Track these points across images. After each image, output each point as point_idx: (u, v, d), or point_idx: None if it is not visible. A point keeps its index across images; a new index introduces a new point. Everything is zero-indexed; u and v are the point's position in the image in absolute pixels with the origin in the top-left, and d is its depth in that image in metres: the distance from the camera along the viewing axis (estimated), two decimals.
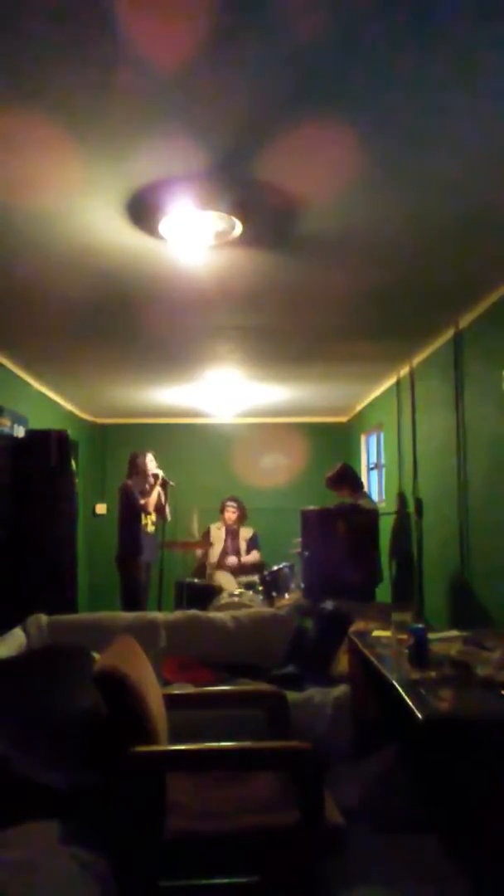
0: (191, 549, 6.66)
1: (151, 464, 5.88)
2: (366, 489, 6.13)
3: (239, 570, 6.64)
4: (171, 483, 5.97)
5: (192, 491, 7.51)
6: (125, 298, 3.88)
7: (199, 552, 6.82)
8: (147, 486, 5.83)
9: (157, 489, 5.86)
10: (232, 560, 6.67)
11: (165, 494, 5.90)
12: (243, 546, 6.83)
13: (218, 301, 3.96)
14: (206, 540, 6.82)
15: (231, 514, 6.86)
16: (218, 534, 6.84)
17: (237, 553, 6.79)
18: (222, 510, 6.92)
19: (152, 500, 5.82)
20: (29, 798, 2.20)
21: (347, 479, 5.60)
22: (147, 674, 2.36)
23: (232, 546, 6.80)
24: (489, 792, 2.28)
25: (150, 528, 5.87)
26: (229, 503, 6.91)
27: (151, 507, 5.82)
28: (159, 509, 5.89)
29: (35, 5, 1.67)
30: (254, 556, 6.80)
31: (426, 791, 2.85)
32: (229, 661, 3.86)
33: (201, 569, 6.75)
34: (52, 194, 2.63)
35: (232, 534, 6.86)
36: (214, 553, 6.75)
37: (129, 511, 5.76)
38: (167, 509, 5.95)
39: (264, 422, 8.41)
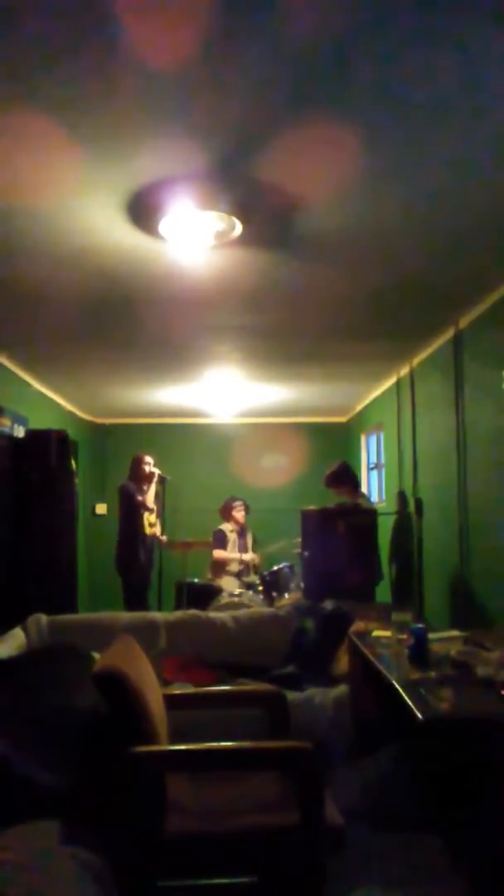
0: (191, 548, 6.65)
1: (147, 466, 5.91)
2: (363, 489, 6.13)
3: (245, 571, 6.67)
4: (168, 478, 5.99)
5: (193, 491, 7.52)
6: (125, 298, 3.88)
7: (216, 553, 6.80)
8: (145, 487, 5.86)
9: (154, 487, 5.90)
10: (248, 577, 6.68)
11: (163, 490, 5.93)
12: (251, 543, 6.88)
13: (218, 301, 3.96)
14: (219, 540, 6.80)
15: (240, 513, 6.85)
16: (232, 536, 6.85)
17: (245, 551, 6.84)
18: (229, 511, 6.87)
19: (150, 497, 5.86)
20: (29, 798, 2.19)
21: (346, 477, 5.61)
22: (147, 674, 2.36)
23: (241, 545, 6.83)
24: (489, 792, 2.28)
25: (150, 529, 5.88)
26: (236, 503, 6.88)
27: (151, 504, 5.86)
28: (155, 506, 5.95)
29: (35, 5, 1.67)
30: (253, 554, 6.84)
31: (426, 791, 2.85)
32: (229, 661, 3.86)
33: (219, 569, 6.73)
34: (52, 194, 2.63)
35: (240, 533, 6.89)
36: (230, 555, 6.76)
37: (130, 510, 5.78)
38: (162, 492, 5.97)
39: (264, 422, 8.41)
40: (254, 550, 6.88)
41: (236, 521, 6.78)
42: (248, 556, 6.77)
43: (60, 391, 6.69)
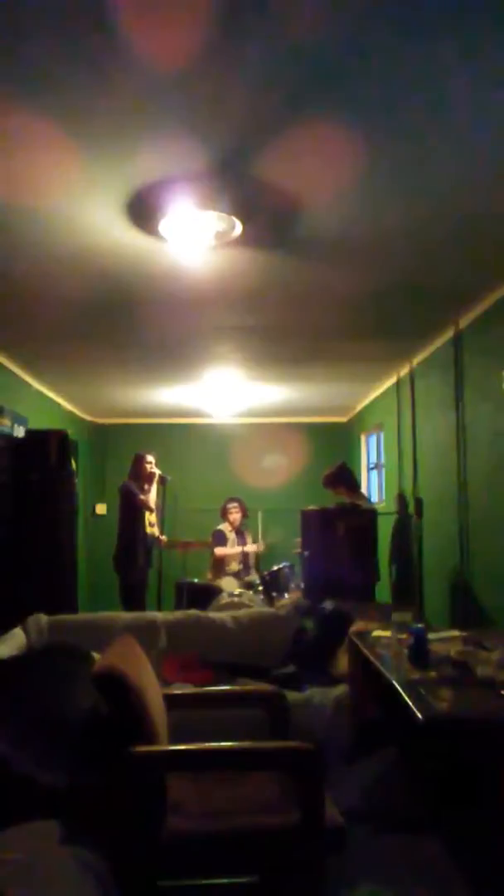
0: (191, 548, 6.65)
1: (149, 466, 5.92)
2: (363, 490, 6.13)
3: (245, 570, 6.68)
4: (168, 478, 5.99)
5: (193, 491, 7.52)
6: (125, 298, 3.88)
7: (218, 551, 6.80)
8: (146, 486, 5.86)
9: (155, 486, 5.90)
10: (248, 576, 6.68)
11: (163, 490, 5.93)
12: (250, 542, 6.89)
13: (218, 301, 3.96)
14: (217, 540, 6.81)
15: (235, 515, 6.88)
16: (231, 536, 6.86)
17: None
18: (225, 513, 6.91)
19: (151, 497, 5.86)
20: (29, 798, 2.19)
21: (344, 478, 5.61)
22: (147, 674, 2.36)
23: (241, 544, 6.84)
24: (489, 792, 2.28)
25: (150, 529, 5.89)
26: (231, 505, 6.91)
27: (152, 504, 5.86)
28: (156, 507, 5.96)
29: (35, 5, 1.67)
30: (253, 546, 6.86)
31: (426, 791, 2.85)
32: (229, 661, 3.86)
33: (219, 568, 6.73)
34: (52, 194, 2.63)
35: (238, 532, 6.90)
36: (230, 555, 6.76)
37: (130, 510, 5.78)
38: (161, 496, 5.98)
39: (264, 422, 8.41)
40: (255, 543, 6.89)
41: (230, 523, 6.82)
42: (251, 548, 6.77)
43: (60, 391, 6.69)
